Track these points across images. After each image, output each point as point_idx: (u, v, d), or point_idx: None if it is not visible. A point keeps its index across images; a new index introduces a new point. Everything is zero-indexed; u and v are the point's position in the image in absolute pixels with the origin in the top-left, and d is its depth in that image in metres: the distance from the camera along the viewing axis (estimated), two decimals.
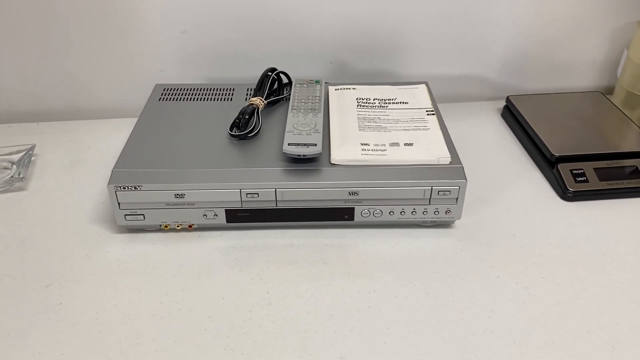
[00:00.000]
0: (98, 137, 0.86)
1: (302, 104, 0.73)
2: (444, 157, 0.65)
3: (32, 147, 0.79)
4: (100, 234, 0.67)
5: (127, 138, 0.70)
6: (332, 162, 0.65)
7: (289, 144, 0.64)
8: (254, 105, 0.72)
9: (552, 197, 0.73)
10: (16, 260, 0.63)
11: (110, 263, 0.62)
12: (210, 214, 0.64)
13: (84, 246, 0.65)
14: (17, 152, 0.78)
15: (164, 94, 0.80)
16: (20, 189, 0.74)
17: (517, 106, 0.86)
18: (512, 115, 0.88)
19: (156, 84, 0.83)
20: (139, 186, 0.62)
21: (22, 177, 0.74)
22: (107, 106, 0.91)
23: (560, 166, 0.74)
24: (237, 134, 0.69)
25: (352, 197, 0.63)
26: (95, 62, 0.88)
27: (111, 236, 0.66)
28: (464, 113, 0.92)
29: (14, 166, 0.76)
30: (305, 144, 0.64)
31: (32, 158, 0.80)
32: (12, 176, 0.74)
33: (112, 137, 0.85)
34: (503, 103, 0.91)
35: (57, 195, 0.73)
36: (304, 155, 0.63)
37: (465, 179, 0.63)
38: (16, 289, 0.59)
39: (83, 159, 0.81)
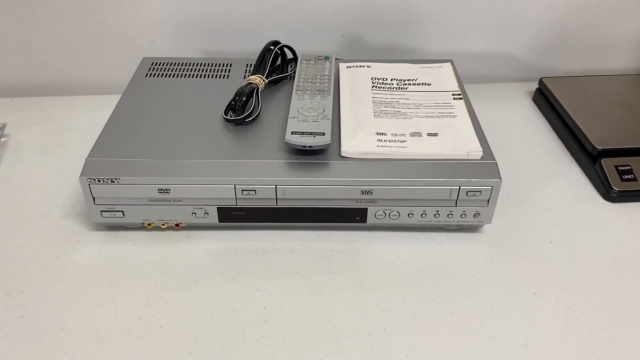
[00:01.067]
0: (79, 116, 0.76)
1: (309, 84, 0.63)
2: (475, 151, 0.55)
3: (3, 127, 0.70)
4: (74, 231, 0.58)
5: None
6: (342, 154, 0.55)
7: (292, 133, 0.55)
8: (253, 85, 0.62)
9: (593, 197, 0.64)
10: None
11: (83, 268, 0.54)
12: (200, 213, 0.55)
13: (54, 245, 0.56)
14: None
15: (151, 69, 0.70)
16: None
17: (551, 89, 0.76)
18: (545, 100, 0.78)
19: (143, 57, 0.73)
20: (116, 179, 0.53)
21: None
22: (90, 81, 0.82)
23: (603, 161, 0.64)
24: (233, 118, 0.59)
25: (365, 196, 0.54)
26: (78, 30, 0.78)
27: (86, 234, 0.58)
28: (491, 96, 0.82)
29: None
30: (311, 133, 0.54)
31: (3, 139, 0.71)
32: None
33: (94, 117, 0.75)
34: (535, 85, 0.80)
35: (28, 184, 0.64)
36: (309, 146, 0.54)
37: (500, 178, 0.53)
38: None
39: (61, 141, 0.71)
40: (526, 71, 0.86)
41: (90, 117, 0.76)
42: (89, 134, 0.72)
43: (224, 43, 0.80)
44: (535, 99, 0.81)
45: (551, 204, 0.62)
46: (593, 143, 0.66)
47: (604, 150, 0.65)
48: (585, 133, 0.67)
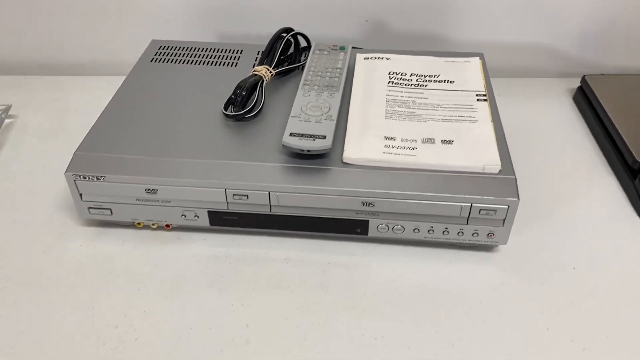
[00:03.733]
0: (86, 97, 0.74)
1: (318, 78, 0.58)
2: (492, 164, 0.49)
3: (8, 108, 0.69)
4: (65, 224, 0.56)
5: None
6: (344, 160, 0.50)
7: (290, 134, 0.50)
8: (258, 77, 0.58)
9: (629, 217, 0.57)
10: None
11: (68, 265, 0.52)
12: (189, 215, 0.52)
13: (43, 239, 0.54)
14: None
15: (158, 53, 0.67)
16: None
17: (594, 89, 0.69)
18: (586, 100, 0.70)
19: (152, 40, 0.69)
20: (101, 177, 0.50)
21: None
22: (101, 60, 0.79)
23: None
24: (233, 113, 0.55)
25: (366, 208, 0.49)
26: (89, 8, 0.75)
27: (76, 229, 0.55)
28: (527, 92, 0.74)
29: None
30: (311, 136, 0.50)
31: (8, 120, 0.69)
32: None
33: (102, 98, 0.71)
34: (577, 83, 0.73)
35: (26, 169, 0.62)
36: (307, 151, 0.49)
37: (518, 198, 0.48)
38: None
39: (66, 124, 0.69)
40: (568, 66, 0.77)
41: (98, 98, 0.72)
42: (95, 116, 0.69)
43: (239, 25, 0.75)
44: (575, 98, 0.73)
45: (580, 222, 0.56)
46: (635, 155, 0.58)
47: None
48: (627, 142, 0.60)
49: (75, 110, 0.72)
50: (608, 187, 0.60)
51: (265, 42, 0.67)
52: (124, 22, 0.76)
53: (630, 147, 0.59)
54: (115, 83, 0.75)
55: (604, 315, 0.48)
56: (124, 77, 0.63)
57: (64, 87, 0.76)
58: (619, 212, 0.57)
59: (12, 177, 0.61)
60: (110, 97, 0.60)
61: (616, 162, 0.62)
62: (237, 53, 0.67)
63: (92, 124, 0.68)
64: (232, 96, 0.56)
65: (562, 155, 0.65)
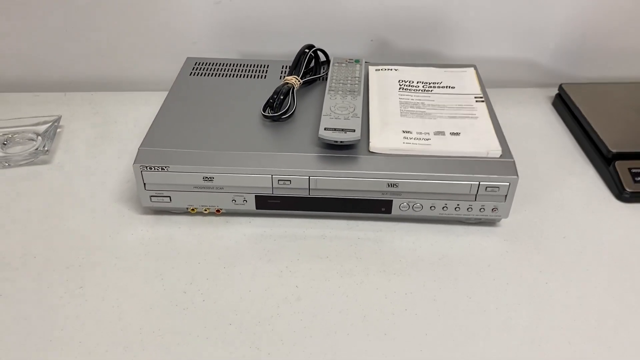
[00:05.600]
0: (125, 110, 0.82)
1: (341, 85, 0.68)
2: (495, 149, 0.59)
3: (58, 119, 0.77)
4: (124, 214, 0.64)
5: (155, 113, 0.66)
6: (370, 150, 0.60)
7: (325, 129, 0.60)
8: (289, 85, 0.67)
9: (607, 198, 0.67)
10: (37, 238, 0.60)
11: (134, 246, 0.59)
12: (239, 200, 0.61)
13: (107, 226, 0.62)
14: (43, 122, 0.75)
15: (195, 68, 0.76)
16: (44, 162, 0.71)
17: (570, 95, 0.80)
18: (564, 105, 0.82)
19: (187, 57, 0.79)
20: (166, 167, 0.59)
21: (47, 150, 0.71)
22: (136, 78, 0.88)
23: (617, 164, 0.68)
24: (271, 115, 0.65)
25: (390, 189, 0.59)
26: (125, 32, 0.84)
27: (135, 217, 0.63)
28: (512, 100, 0.86)
29: (39, 138, 0.74)
30: (342, 129, 0.59)
31: (58, 130, 0.77)
32: (37, 148, 0.72)
33: (140, 111, 0.81)
34: (555, 91, 0.84)
35: (81, 171, 0.70)
36: (341, 142, 0.59)
37: (517, 175, 0.58)
38: (36, 269, 0.57)
39: (109, 133, 0.77)
40: (547, 77, 0.89)
41: (137, 111, 0.82)
42: (135, 127, 0.78)
43: (259, 46, 0.85)
44: (554, 104, 0.85)
45: (566, 203, 0.66)
46: (608, 146, 0.69)
47: (618, 153, 0.69)
48: (601, 137, 0.71)
49: (115, 121, 0.80)
50: (587, 175, 0.71)
51: (285, 60, 0.77)
52: (154, 44, 0.85)
53: (604, 140, 0.70)
54: (149, 98, 0.84)
55: (590, 273, 0.57)
56: (156, 92, 0.71)
57: (102, 102, 0.84)
58: (598, 193, 0.68)
59: (68, 177, 0.69)
60: (146, 109, 0.69)
61: (593, 154, 0.73)
62: (264, 67, 0.76)
63: (132, 131, 0.77)
64: (270, 100, 0.65)
65: (546, 151, 0.75)
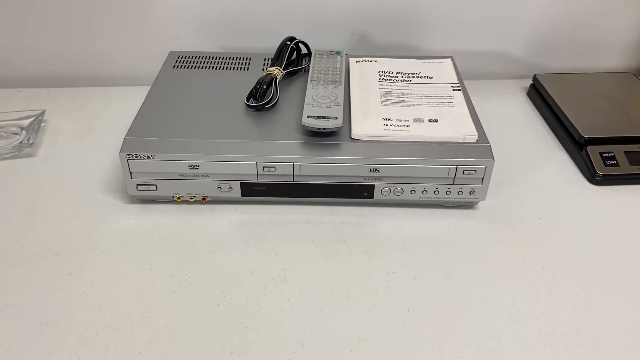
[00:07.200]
0: (109, 104, 0.83)
1: (322, 75, 0.70)
2: (471, 134, 0.62)
3: (42, 113, 0.77)
4: (111, 203, 0.65)
5: (139, 107, 0.67)
6: (352, 136, 0.62)
7: (308, 117, 0.61)
8: (272, 75, 0.69)
9: (579, 181, 0.70)
10: (24, 227, 0.61)
11: (121, 234, 0.60)
12: (224, 187, 0.62)
13: (94, 216, 0.63)
14: (27, 117, 0.76)
15: (178, 62, 0.77)
16: (29, 155, 0.72)
17: (544, 85, 0.83)
18: (538, 95, 0.84)
19: (170, 51, 0.80)
20: (151, 155, 0.60)
21: (32, 143, 0.72)
22: (120, 73, 0.89)
23: (589, 148, 0.71)
24: (254, 104, 0.66)
25: (372, 174, 0.61)
26: (108, 27, 0.85)
27: (122, 206, 0.64)
28: (489, 91, 0.88)
29: (24, 132, 0.74)
30: (325, 117, 0.61)
31: (42, 124, 0.78)
32: (22, 142, 0.72)
33: (124, 105, 0.82)
34: (529, 82, 0.87)
35: (67, 163, 0.71)
36: (323, 129, 0.60)
37: (493, 158, 0.60)
38: (24, 257, 0.57)
39: (94, 127, 0.78)
40: (521, 69, 0.92)
41: (121, 105, 0.82)
42: (120, 120, 0.79)
43: (241, 40, 0.87)
44: (529, 94, 0.87)
45: (541, 186, 0.69)
46: (580, 132, 0.72)
47: (590, 138, 0.71)
48: (574, 123, 0.74)
49: (99, 115, 0.81)
50: (560, 159, 0.74)
51: (267, 53, 0.79)
52: (136, 39, 0.86)
53: (576, 127, 0.73)
54: (132, 92, 0.85)
55: (564, 250, 0.60)
56: (140, 87, 0.72)
57: (86, 97, 0.85)
58: (571, 176, 0.71)
59: (54, 169, 0.70)
60: (130, 103, 0.70)
61: (566, 139, 0.75)
62: (247, 60, 0.78)
63: (117, 124, 0.77)
64: (253, 90, 0.67)
65: (522, 138, 0.78)
